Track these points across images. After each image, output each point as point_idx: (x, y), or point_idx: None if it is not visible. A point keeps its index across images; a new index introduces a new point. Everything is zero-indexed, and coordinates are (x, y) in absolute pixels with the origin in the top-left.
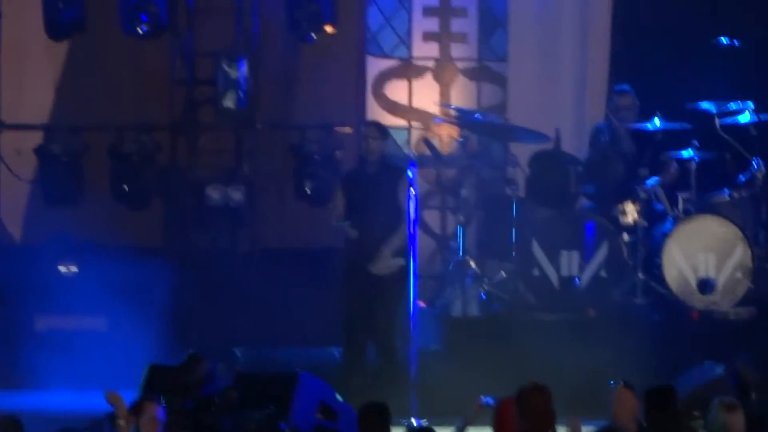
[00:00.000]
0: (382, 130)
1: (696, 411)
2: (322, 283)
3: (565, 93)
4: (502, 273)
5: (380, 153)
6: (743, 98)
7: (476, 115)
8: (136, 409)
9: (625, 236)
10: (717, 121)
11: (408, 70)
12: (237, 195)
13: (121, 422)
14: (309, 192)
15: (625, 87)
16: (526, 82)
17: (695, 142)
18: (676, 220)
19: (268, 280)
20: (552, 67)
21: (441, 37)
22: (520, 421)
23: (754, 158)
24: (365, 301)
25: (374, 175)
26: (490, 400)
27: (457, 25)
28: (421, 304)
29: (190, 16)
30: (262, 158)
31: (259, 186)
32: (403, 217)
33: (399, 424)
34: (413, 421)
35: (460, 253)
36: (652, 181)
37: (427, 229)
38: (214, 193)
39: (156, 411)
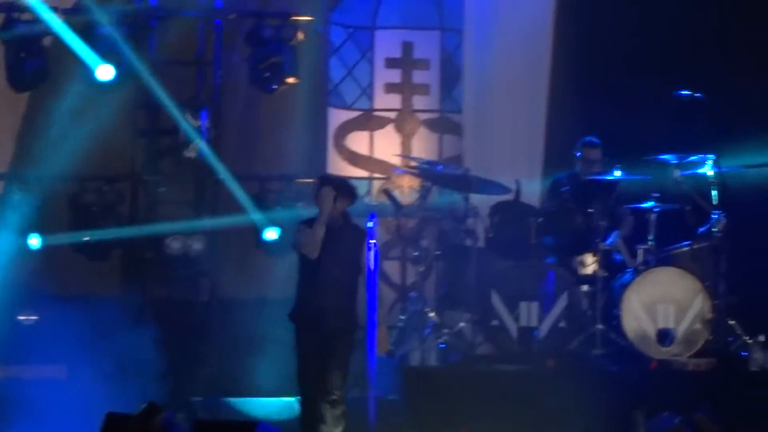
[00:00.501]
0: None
1: None
2: (282, 333)
3: (523, 144)
4: (462, 323)
5: (342, 210)
6: (704, 150)
7: (437, 166)
8: None
9: (585, 287)
10: (677, 173)
11: (370, 121)
12: (197, 245)
13: None
14: (269, 242)
15: (595, 139)
16: (485, 134)
17: (655, 194)
18: (636, 272)
19: (228, 329)
20: (510, 119)
21: (403, 88)
22: None
23: (713, 210)
24: (319, 356)
25: (337, 230)
26: None
27: (419, 76)
28: (380, 353)
29: (152, 66)
30: (222, 209)
31: (219, 236)
32: (362, 275)
33: None
34: None
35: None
36: (612, 237)
37: (386, 280)
38: (174, 243)
39: None
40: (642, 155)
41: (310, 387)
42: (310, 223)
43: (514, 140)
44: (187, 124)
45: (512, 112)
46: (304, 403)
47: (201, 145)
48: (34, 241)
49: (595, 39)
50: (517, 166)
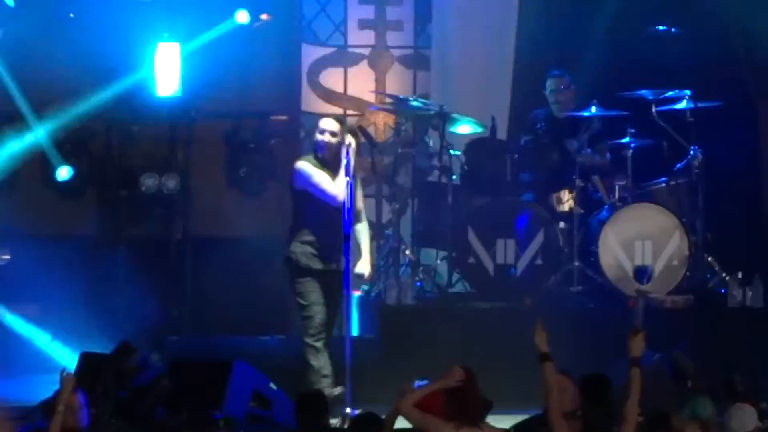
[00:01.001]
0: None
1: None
2: (256, 272)
3: (498, 80)
4: (438, 261)
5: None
6: (680, 86)
7: (411, 103)
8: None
9: (561, 224)
10: (654, 109)
11: (343, 58)
12: (171, 183)
13: (60, 407)
14: (243, 179)
15: (557, 71)
16: (455, 70)
17: (632, 130)
18: (613, 208)
19: (202, 268)
20: (484, 55)
21: (377, 24)
22: (447, 404)
23: (691, 146)
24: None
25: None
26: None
27: (392, 13)
28: (356, 292)
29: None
30: (196, 147)
31: (193, 174)
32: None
33: (335, 413)
34: (348, 410)
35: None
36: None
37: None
38: (148, 182)
39: (76, 398)
40: (618, 91)
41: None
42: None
43: (484, 76)
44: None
45: (482, 49)
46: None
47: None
48: (63, 172)
49: None
50: (488, 103)
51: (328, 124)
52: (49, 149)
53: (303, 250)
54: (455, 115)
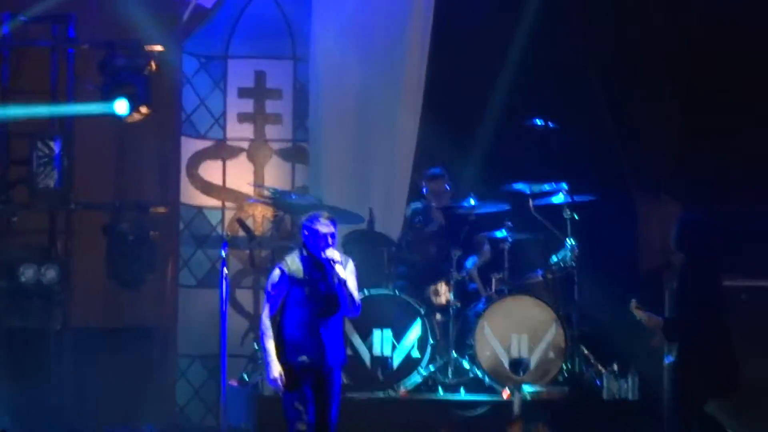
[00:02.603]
0: None
1: None
2: (135, 362)
3: (377, 174)
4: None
5: None
6: (557, 180)
7: (290, 195)
8: None
9: (438, 316)
10: (530, 202)
11: (222, 150)
12: (50, 273)
13: None
14: (122, 271)
15: (437, 170)
16: (339, 163)
17: (509, 223)
18: (489, 300)
19: (82, 359)
20: (363, 148)
21: (256, 118)
22: None
23: (566, 239)
24: None
25: None
26: None
27: (271, 106)
28: (233, 382)
29: (5, 95)
30: (76, 238)
31: (73, 265)
32: None
33: None
34: None
35: None
36: (470, 261)
37: (239, 308)
38: (27, 272)
39: None
40: (496, 185)
41: None
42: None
43: (367, 170)
44: (39, 153)
45: (367, 141)
46: None
47: (55, 173)
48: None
49: (444, 68)
50: (372, 196)
51: (329, 228)
52: None
53: None
54: (332, 207)
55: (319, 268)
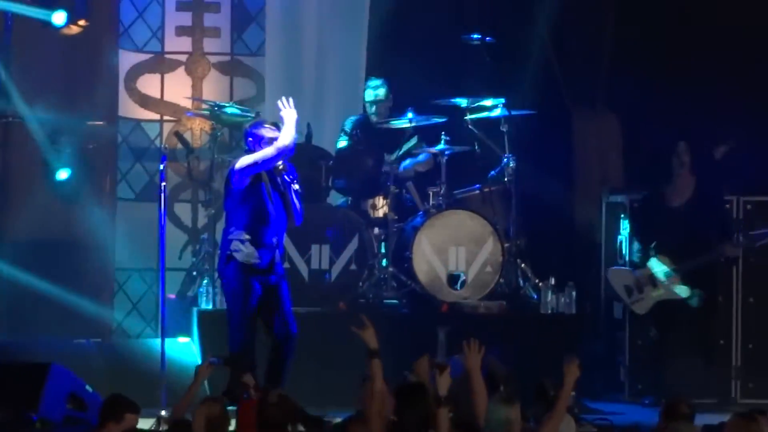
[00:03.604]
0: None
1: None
2: (73, 276)
3: (317, 87)
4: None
5: None
6: (495, 94)
7: (227, 109)
8: None
9: (376, 230)
10: (468, 116)
11: (160, 64)
12: None
13: None
14: (60, 184)
15: (378, 81)
16: (280, 76)
17: (446, 137)
18: (427, 214)
19: (19, 270)
20: (305, 61)
21: (194, 31)
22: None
23: (504, 153)
24: None
25: None
26: (215, 360)
27: (210, 20)
28: (171, 296)
29: None
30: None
31: (10, 178)
32: None
33: (150, 415)
34: (162, 412)
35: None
36: (405, 164)
37: (177, 222)
38: None
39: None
40: (433, 98)
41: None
42: None
43: (308, 84)
44: None
45: (307, 55)
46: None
47: None
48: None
49: None
50: (311, 111)
51: (272, 132)
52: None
53: None
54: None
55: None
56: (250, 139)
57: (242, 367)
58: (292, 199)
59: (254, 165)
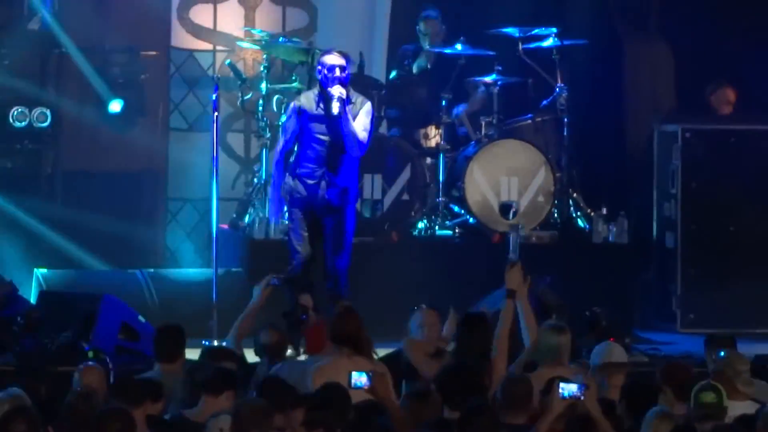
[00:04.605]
0: None
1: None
2: (127, 205)
3: (369, 16)
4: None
5: None
6: (546, 24)
7: (280, 39)
8: None
9: (428, 160)
10: (520, 46)
11: None
12: (41, 117)
13: None
14: (114, 114)
15: (432, 12)
16: (333, 5)
17: (498, 67)
18: (479, 144)
19: (73, 203)
20: None
21: None
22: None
23: (556, 83)
24: None
25: None
26: (275, 281)
27: None
28: (224, 226)
29: None
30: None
31: (63, 109)
32: None
33: (200, 344)
34: (215, 342)
35: (263, 177)
36: (458, 108)
37: (230, 152)
38: (18, 115)
39: None
40: (485, 28)
41: None
42: None
43: (358, 13)
44: None
45: None
46: None
47: (45, 16)
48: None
49: None
50: (363, 40)
51: (336, 59)
52: None
53: None
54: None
55: (330, 103)
56: (319, 67)
57: (300, 289)
58: (345, 131)
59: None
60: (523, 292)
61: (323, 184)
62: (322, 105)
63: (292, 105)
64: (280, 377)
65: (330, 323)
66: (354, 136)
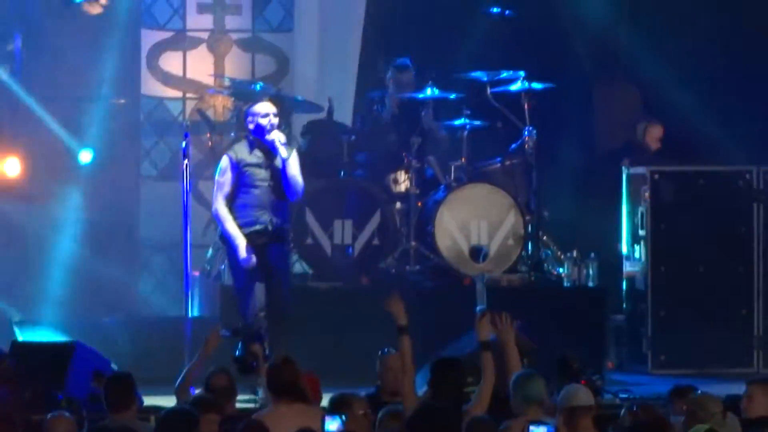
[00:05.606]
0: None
1: (469, 377)
2: (97, 253)
3: (339, 64)
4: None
5: None
6: (514, 67)
7: (249, 86)
8: None
9: (398, 204)
10: (488, 90)
11: (182, 41)
12: (13, 168)
13: None
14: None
15: (406, 61)
16: (304, 54)
17: (467, 111)
18: (448, 188)
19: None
20: (327, 38)
21: (215, 8)
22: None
23: (525, 126)
24: None
25: None
26: (225, 332)
27: None
28: (196, 273)
29: None
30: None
31: (32, 157)
32: None
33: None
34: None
35: None
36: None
37: (201, 199)
38: None
39: None
40: (453, 73)
41: None
42: None
43: (327, 60)
44: None
45: (326, 33)
46: None
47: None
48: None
49: None
50: (331, 86)
51: (269, 107)
52: None
53: None
54: (291, 97)
55: (264, 151)
56: (249, 117)
57: (251, 338)
58: (289, 174)
59: None
60: (508, 337)
61: (269, 226)
62: (257, 152)
63: (226, 159)
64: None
65: (267, 374)
66: (295, 178)
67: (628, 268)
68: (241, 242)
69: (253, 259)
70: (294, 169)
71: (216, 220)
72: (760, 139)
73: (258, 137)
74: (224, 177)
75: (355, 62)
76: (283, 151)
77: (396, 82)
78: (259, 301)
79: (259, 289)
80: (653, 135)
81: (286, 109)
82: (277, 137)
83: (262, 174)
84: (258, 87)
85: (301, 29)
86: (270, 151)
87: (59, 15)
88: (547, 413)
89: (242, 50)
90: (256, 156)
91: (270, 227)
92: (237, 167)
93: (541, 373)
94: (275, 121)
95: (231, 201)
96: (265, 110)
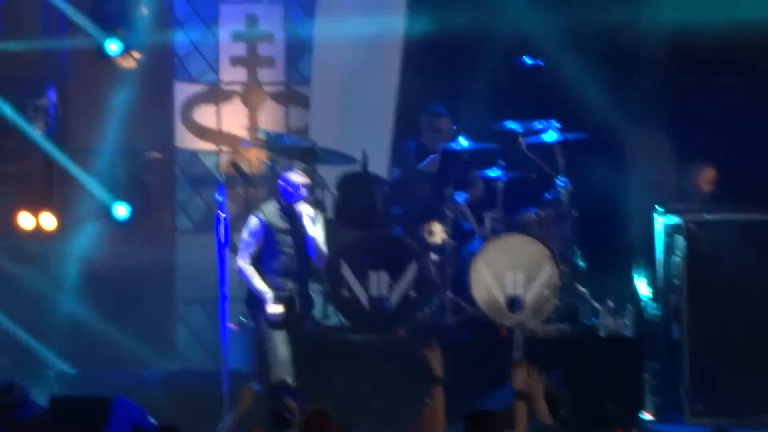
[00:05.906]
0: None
1: (505, 430)
2: (134, 307)
3: (371, 115)
4: (313, 295)
5: None
6: (547, 117)
7: (284, 138)
8: None
9: (433, 256)
10: (522, 141)
11: (216, 94)
12: (49, 221)
13: None
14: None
15: (441, 109)
16: (331, 106)
17: (501, 162)
18: (484, 239)
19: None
20: (357, 90)
21: (248, 61)
22: None
23: (559, 177)
24: None
25: None
26: (257, 387)
27: (264, 49)
28: (233, 326)
29: None
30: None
31: (68, 215)
32: None
33: None
34: None
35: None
36: (459, 197)
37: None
38: (24, 221)
39: None
40: (488, 123)
41: None
42: None
43: (363, 112)
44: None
45: (362, 85)
46: None
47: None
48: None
49: (444, 9)
50: (367, 138)
51: (302, 179)
52: None
53: None
54: (327, 149)
55: (292, 217)
56: (282, 183)
57: (284, 391)
58: (314, 246)
59: None
60: (537, 393)
61: (294, 298)
62: (286, 218)
63: (256, 221)
64: None
65: (302, 428)
66: (320, 250)
67: (664, 317)
68: (270, 296)
69: (281, 309)
70: (319, 240)
71: (241, 275)
72: None
73: (288, 201)
74: (253, 238)
75: (390, 112)
76: (310, 228)
77: (432, 128)
78: (281, 352)
79: (282, 339)
80: (706, 178)
81: (319, 160)
82: (306, 211)
83: (289, 241)
84: (290, 139)
85: (331, 81)
86: (298, 219)
87: (93, 69)
88: None
89: (276, 102)
90: (285, 222)
91: (294, 301)
92: (266, 231)
93: (578, 424)
94: (305, 193)
95: (256, 262)
96: (298, 181)
